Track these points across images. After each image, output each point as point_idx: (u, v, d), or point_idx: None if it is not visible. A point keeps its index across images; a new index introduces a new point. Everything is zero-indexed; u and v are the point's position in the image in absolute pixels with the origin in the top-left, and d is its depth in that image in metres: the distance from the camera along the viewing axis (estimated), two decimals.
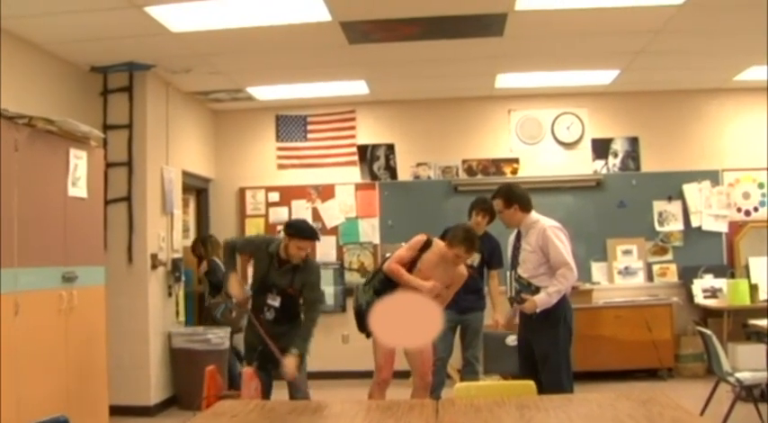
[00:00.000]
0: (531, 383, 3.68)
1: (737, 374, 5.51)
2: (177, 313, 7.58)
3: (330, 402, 3.63)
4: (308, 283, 4.99)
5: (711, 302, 7.99)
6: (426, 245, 5.37)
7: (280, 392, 5.05)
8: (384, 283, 5.25)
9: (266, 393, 4.94)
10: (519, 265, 5.14)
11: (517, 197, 5.15)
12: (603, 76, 7.96)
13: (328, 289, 8.37)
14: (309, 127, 8.90)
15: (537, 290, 4.96)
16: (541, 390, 3.92)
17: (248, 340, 5.18)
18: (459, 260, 5.26)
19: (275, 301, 4.95)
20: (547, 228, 5.02)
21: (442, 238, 5.45)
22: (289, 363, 4.79)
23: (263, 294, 5.02)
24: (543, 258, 4.99)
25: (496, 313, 6.26)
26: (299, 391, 5.00)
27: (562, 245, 4.98)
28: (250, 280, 7.40)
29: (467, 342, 6.36)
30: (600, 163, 8.71)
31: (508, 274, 5.25)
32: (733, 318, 7.62)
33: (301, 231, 4.93)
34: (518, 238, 5.23)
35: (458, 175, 8.75)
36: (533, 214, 5.15)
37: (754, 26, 6.09)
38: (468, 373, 6.28)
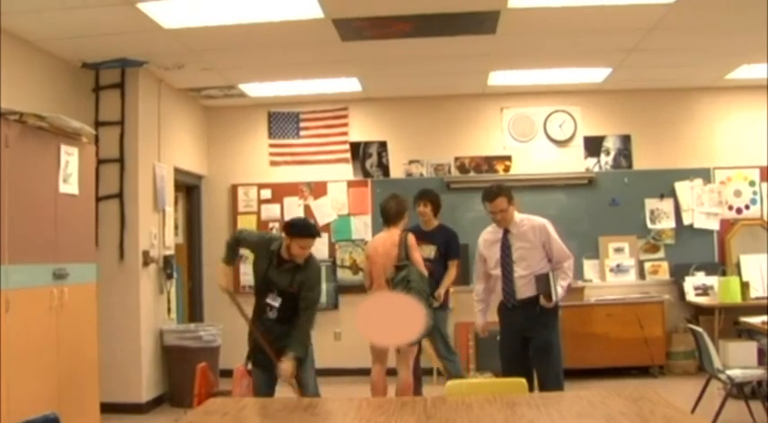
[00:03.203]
0: (522, 381, 3.68)
1: (728, 372, 5.53)
2: (169, 310, 7.56)
3: (322, 399, 3.63)
4: (307, 282, 4.83)
5: (703, 300, 8.01)
6: None
7: (288, 390, 4.95)
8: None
9: (269, 391, 4.84)
10: (515, 263, 5.14)
11: (511, 195, 5.28)
12: (596, 74, 7.97)
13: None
14: (302, 124, 8.89)
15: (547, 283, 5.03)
16: (532, 387, 3.93)
17: (251, 339, 5.06)
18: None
19: (275, 302, 4.81)
20: (546, 224, 5.22)
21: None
22: (285, 367, 4.66)
23: (264, 294, 4.89)
24: (544, 253, 5.18)
25: (440, 288, 6.27)
26: (308, 390, 4.88)
27: (560, 239, 5.22)
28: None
29: (432, 344, 6.27)
30: (592, 161, 8.73)
31: (502, 279, 5.18)
32: (724, 315, 7.63)
33: (303, 230, 4.78)
34: (505, 237, 5.22)
35: (450, 173, 8.75)
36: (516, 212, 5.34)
37: (746, 25, 6.11)
38: (449, 375, 6.19)
